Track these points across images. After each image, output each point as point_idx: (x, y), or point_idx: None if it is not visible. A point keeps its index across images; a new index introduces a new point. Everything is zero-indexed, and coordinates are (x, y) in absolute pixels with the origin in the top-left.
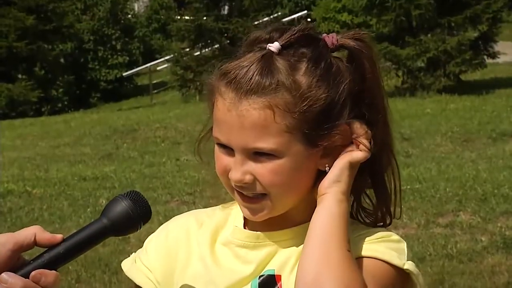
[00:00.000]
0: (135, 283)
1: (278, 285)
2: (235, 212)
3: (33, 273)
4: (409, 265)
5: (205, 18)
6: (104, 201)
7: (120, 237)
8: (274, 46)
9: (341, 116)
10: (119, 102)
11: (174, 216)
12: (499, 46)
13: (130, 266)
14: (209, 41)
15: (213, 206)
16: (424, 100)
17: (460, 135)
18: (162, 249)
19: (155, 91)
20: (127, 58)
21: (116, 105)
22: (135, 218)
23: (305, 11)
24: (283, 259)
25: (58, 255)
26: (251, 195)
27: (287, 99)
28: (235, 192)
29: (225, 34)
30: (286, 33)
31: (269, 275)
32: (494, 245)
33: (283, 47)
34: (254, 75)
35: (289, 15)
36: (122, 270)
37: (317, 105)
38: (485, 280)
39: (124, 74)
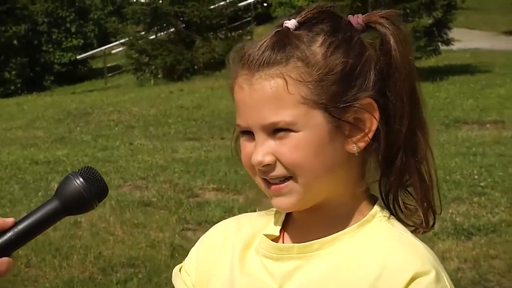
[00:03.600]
0: None
1: None
2: (276, 219)
3: None
4: None
5: (160, 1)
6: (56, 185)
7: (71, 222)
8: (291, 23)
9: (363, 89)
10: (73, 85)
11: (126, 201)
12: (454, 33)
13: (175, 274)
14: (164, 24)
15: (165, 190)
16: None
17: None
18: (200, 253)
19: (110, 74)
20: (82, 41)
21: (70, 88)
22: (88, 198)
23: None
24: (309, 275)
25: (9, 241)
26: (277, 181)
27: (300, 68)
28: (261, 180)
29: (181, 18)
30: (303, 11)
31: None
32: (445, 231)
33: (300, 24)
34: (266, 49)
35: (246, 0)
36: (72, 254)
37: (333, 73)
38: None
39: (79, 57)
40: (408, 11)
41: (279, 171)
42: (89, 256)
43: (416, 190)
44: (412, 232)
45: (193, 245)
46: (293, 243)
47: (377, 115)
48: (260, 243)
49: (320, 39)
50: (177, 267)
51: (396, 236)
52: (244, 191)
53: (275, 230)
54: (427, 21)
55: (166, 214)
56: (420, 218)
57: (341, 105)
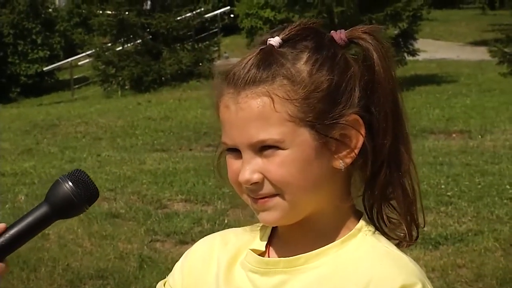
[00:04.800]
0: None
1: None
2: (261, 234)
3: None
4: None
5: (127, 12)
6: (23, 197)
7: (39, 234)
8: (275, 40)
9: (349, 105)
10: (39, 97)
11: (94, 212)
12: (419, 43)
13: None
14: (131, 36)
15: (133, 202)
16: None
17: None
18: (185, 268)
19: (77, 86)
20: (48, 52)
21: (37, 100)
22: (78, 202)
23: (228, 7)
24: None
25: (0, 247)
26: (263, 197)
27: (286, 86)
28: (247, 197)
29: (148, 29)
30: (287, 28)
31: None
32: None
33: (284, 41)
34: (251, 67)
35: (212, 11)
36: (40, 267)
37: (319, 91)
38: None
39: (45, 68)
40: (374, 21)
41: (266, 189)
42: (57, 268)
43: (400, 204)
44: (396, 245)
45: (162, 257)
46: (279, 257)
47: (363, 131)
48: (246, 257)
49: (304, 57)
50: (161, 282)
51: (382, 250)
52: (213, 202)
53: (261, 245)
54: (393, 32)
55: (135, 226)
56: (404, 232)
57: (328, 122)
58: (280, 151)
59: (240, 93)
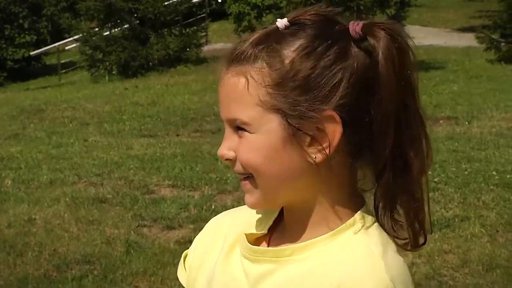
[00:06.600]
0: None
1: None
2: (267, 218)
3: None
4: None
5: None
6: (9, 182)
7: (26, 219)
8: (281, 22)
9: (327, 101)
10: (26, 82)
11: (81, 197)
12: (407, 30)
13: (179, 266)
14: (118, 21)
15: (120, 187)
16: None
17: None
18: (199, 245)
19: (64, 71)
20: (35, 37)
21: (24, 84)
22: None
23: None
24: (279, 280)
25: None
26: (241, 176)
27: (263, 70)
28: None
29: (135, 14)
30: (301, 10)
31: None
32: None
33: (291, 24)
34: (246, 45)
35: None
36: (26, 251)
37: (295, 80)
38: None
39: (32, 53)
40: (362, 8)
41: (238, 167)
42: (44, 253)
43: (407, 211)
44: (402, 245)
45: (149, 242)
46: (275, 245)
47: (339, 129)
48: (241, 242)
49: (297, 43)
50: (184, 253)
51: (365, 251)
52: (200, 187)
53: (264, 229)
54: (381, 18)
55: (122, 211)
56: (409, 237)
57: (299, 114)
58: (248, 134)
59: (228, 68)
